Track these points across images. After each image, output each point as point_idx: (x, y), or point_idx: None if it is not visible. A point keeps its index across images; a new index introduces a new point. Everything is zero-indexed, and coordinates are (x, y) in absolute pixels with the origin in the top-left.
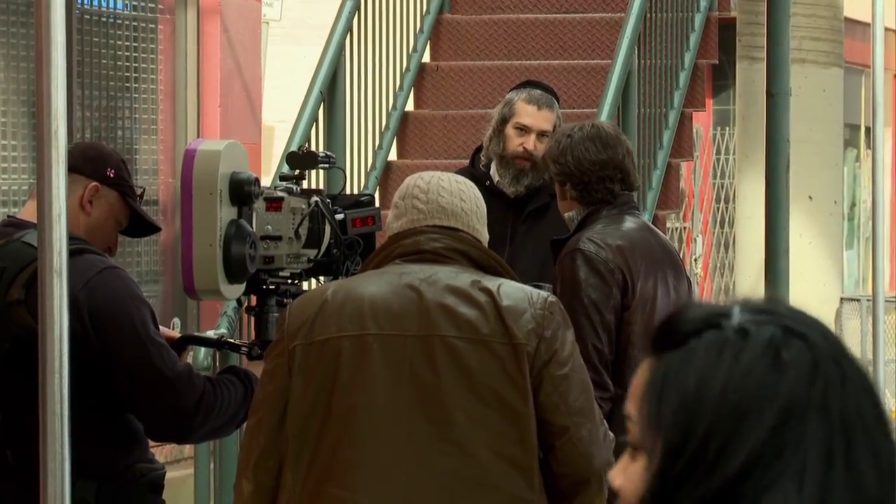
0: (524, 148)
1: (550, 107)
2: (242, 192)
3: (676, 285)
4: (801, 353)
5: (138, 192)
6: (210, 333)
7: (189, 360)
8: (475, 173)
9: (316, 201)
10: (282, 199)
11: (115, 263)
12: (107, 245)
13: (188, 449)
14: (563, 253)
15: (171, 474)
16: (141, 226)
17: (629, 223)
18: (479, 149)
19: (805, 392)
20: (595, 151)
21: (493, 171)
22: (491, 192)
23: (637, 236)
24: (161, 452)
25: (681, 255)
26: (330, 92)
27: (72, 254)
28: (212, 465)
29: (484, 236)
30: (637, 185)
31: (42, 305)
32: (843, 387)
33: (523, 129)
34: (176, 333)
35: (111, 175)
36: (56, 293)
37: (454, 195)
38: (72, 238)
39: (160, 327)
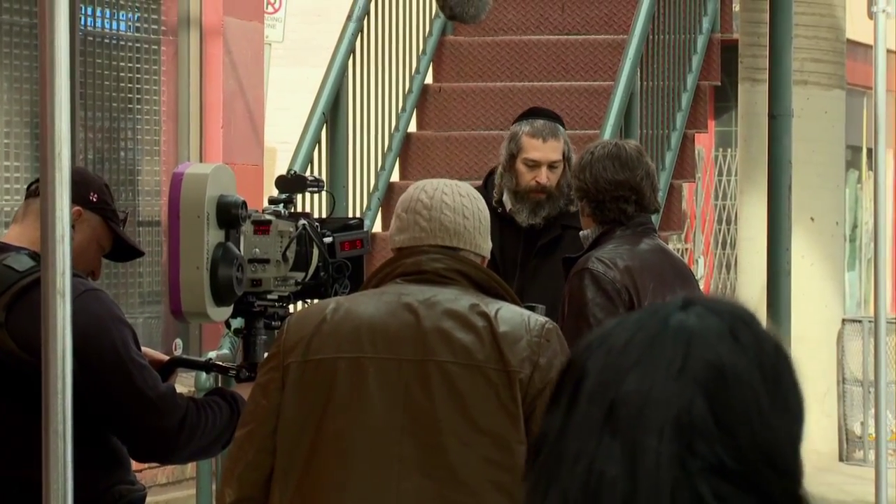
0: (537, 182)
1: (555, 135)
2: (230, 215)
3: None
4: None
5: (121, 216)
6: (212, 354)
7: (191, 381)
8: (487, 197)
9: (303, 224)
10: (269, 222)
11: (95, 286)
12: (90, 269)
13: (190, 469)
14: (572, 272)
15: (172, 495)
16: (124, 250)
17: (642, 244)
18: (492, 171)
19: None
20: (612, 171)
21: (505, 198)
22: (503, 220)
23: (649, 258)
24: (163, 473)
25: None
26: (332, 113)
27: None
28: (213, 486)
29: (486, 249)
30: (656, 208)
31: (45, 326)
32: None
33: (533, 164)
34: (163, 356)
35: (94, 199)
36: (59, 314)
37: (457, 212)
38: None
39: (147, 349)
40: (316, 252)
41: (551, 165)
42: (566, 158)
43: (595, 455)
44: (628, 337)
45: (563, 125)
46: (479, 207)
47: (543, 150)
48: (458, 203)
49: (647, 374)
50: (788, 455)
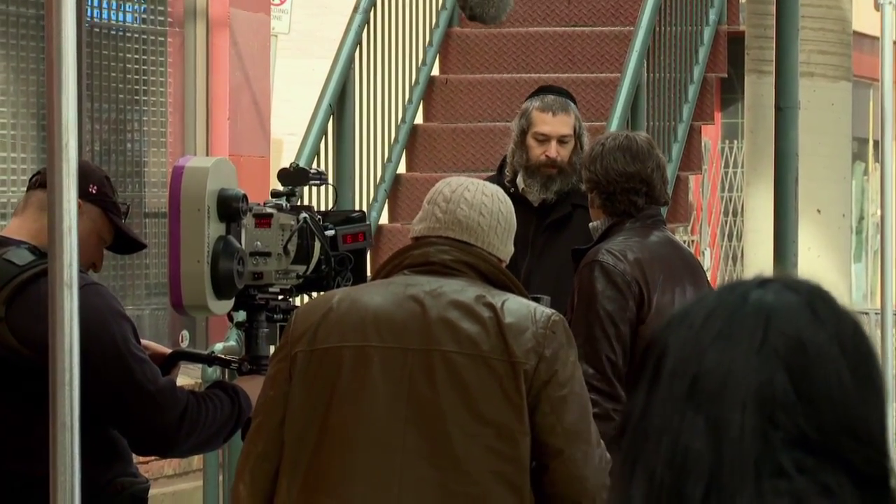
0: (547, 156)
1: (566, 110)
2: (230, 208)
3: None
4: None
5: (123, 208)
6: (218, 346)
7: (198, 374)
8: (501, 180)
9: (305, 218)
10: (271, 215)
11: (94, 280)
12: (90, 261)
13: (197, 461)
14: (582, 264)
15: (179, 486)
16: (126, 242)
17: (652, 237)
18: (506, 158)
19: None
20: (623, 163)
21: (519, 178)
22: (514, 200)
23: (658, 250)
24: (170, 465)
25: None
26: (339, 105)
27: None
28: (221, 478)
29: (504, 253)
30: (666, 200)
31: (52, 318)
32: None
33: (543, 138)
34: (165, 349)
35: (93, 191)
36: (66, 306)
37: (474, 209)
38: None
39: (149, 343)
40: (317, 245)
41: (561, 140)
42: (577, 135)
43: (679, 430)
44: (707, 313)
45: (574, 102)
46: (500, 209)
47: (553, 124)
48: (477, 200)
49: (728, 349)
50: (873, 425)
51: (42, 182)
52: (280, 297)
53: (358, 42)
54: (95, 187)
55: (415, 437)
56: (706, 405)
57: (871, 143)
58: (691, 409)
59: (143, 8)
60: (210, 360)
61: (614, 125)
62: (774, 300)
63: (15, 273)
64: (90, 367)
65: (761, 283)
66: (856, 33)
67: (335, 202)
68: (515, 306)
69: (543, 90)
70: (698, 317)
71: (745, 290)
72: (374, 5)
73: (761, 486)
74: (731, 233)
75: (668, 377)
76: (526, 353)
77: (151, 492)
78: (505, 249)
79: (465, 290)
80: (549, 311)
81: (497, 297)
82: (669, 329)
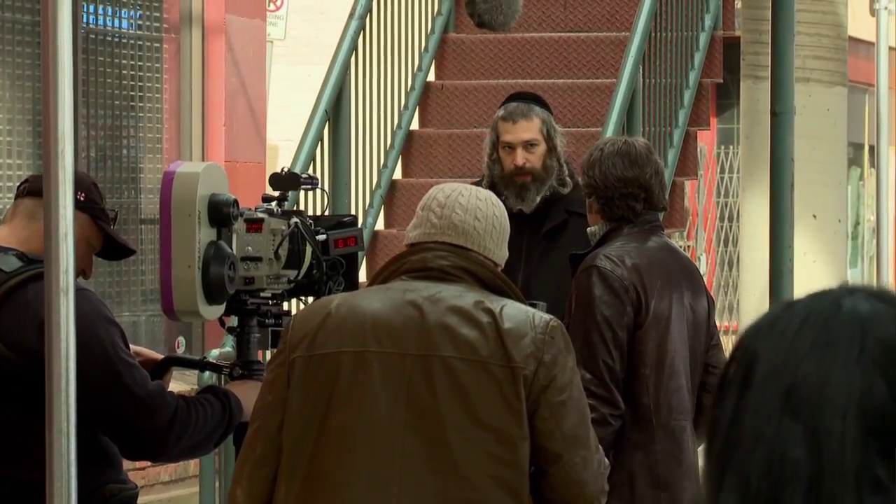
0: (515, 164)
1: (526, 115)
2: (221, 213)
3: (694, 305)
4: None
5: (111, 214)
6: (215, 352)
7: (194, 379)
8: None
9: (296, 222)
10: (262, 220)
11: (83, 286)
12: (80, 268)
13: (193, 466)
14: (579, 269)
15: (175, 492)
16: (116, 248)
17: (650, 242)
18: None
19: None
20: (622, 168)
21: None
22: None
23: (656, 255)
24: (166, 471)
25: None
26: (335, 111)
27: (40, 277)
28: (217, 483)
29: (499, 256)
30: (664, 206)
31: (48, 324)
32: None
33: (509, 146)
34: (158, 355)
35: (81, 199)
36: (63, 312)
37: (469, 213)
38: (41, 261)
39: (141, 348)
40: (309, 250)
41: (527, 146)
42: (547, 138)
43: (776, 438)
44: (801, 320)
45: (542, 105)
46: (495, 213)
47: (515, 132)
48: (472, 205)
49: (826, 357)
50: None
51: (30, 190)
52: (272, 302)
53: (354, 48)
54: (83, 194)
55: (414, 442)
56: (804, 414)
57: (866, 148)
58: (788, 418)
59: (138, 14)
60: (202, 365)
61: (610, 131)
62: (867, 308)
63: (2, 280)
64: (79, 372)
65: (849, 291)
66: (851, 39)
67: (327, 206)
68: (514, 312)
69: (510, 98)
70: (791, 324)
71: (836, 297)
72: (370, 11)
73: (861, 499)
74: (727, 238)
75: (761, 385)
76: (525, 359)
77: (148, 498)
78: (500, 253)
79: (463, 295)
80: (547, 316)
81: (495, 303)
82: (758, 336)
